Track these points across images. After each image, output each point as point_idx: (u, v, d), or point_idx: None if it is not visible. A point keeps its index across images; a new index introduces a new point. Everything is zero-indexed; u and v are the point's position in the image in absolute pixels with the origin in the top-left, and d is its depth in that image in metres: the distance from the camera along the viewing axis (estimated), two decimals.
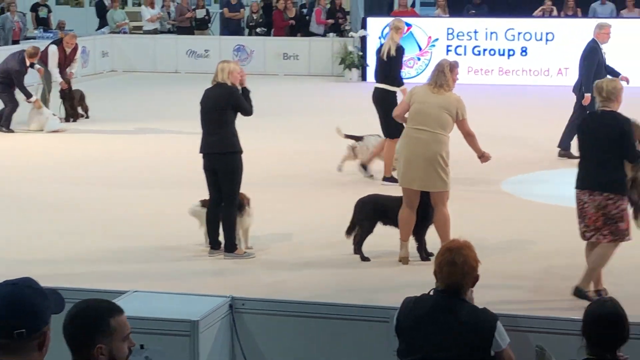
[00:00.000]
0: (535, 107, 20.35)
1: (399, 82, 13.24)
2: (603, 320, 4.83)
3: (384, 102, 13.01)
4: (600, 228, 8.19)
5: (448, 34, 24.31)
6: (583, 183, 8.25)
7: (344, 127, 13.89)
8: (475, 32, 24.09)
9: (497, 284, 8.79)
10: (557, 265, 9.54)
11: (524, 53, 23.83)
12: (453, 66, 9.66)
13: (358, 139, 13.65)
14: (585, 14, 24.99)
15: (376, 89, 13.37)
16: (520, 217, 11.67)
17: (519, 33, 23.85)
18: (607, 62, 14.81)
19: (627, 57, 21.17)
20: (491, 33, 24.02)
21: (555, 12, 25.00)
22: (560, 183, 13.29)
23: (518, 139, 16.55)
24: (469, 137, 9.72)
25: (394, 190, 10.13)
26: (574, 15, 24.92)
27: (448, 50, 24.23)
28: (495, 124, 17.33)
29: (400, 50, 13.30)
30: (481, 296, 6.04)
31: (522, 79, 23.66)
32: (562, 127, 15.09)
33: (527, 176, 13.89)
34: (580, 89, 14.63)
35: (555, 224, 11.02)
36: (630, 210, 8.34)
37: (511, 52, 23.90)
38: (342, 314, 6.67)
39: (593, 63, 14.58)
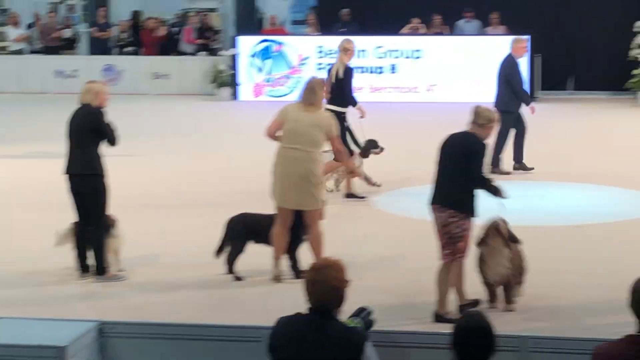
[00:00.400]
0: (406, 124, 20.59)
1: (350, 101, 13.65)
2: (472, 333, 4.89)
3: None
4: (443, 247, 8.34)
5: (318, 52, 24.46)
6: (432, 198, 8.43)
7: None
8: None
9: (371, 299, 8.84)
10: (429, 280, 9.64)
11: (393, 70, 24.13)
12: (321, 84, 9.77)
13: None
14: (452, 32, 25.44)
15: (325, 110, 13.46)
16: (391, 232, 11.78)
17: (388, 50, 24.15)
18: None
19: (493, 73, 21.58)
20: (361, 51, 24.24)
21: (423, 30, 25.39)
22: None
23: (389, 154, 16.67)
24: (339, 153, 10.04)
25: (266, 208, 10.09)
26: (441, 33, 25.35)
27: (319, 68, 24.36)
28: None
29: (348, 72, 13.61)
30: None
31: (392, 96, 23.95)
32: (434, 143, 15.27)
33: (399, 192, 14.02)
34: (508, 104, 14.89)
35: (426, 239, 11.13)
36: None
37: (380, 70, 24.18)
38: (215, 334, 6.60)
39: (518, 75, 15.10)
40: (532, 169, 15.04)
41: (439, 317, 8.37)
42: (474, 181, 8.23)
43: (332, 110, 13.18)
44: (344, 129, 13.25)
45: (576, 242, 11.27)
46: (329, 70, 13.79)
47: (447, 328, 5.19)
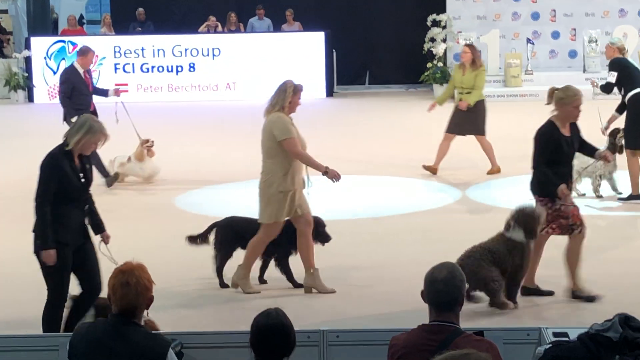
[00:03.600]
0: (207, 123, 20.53)
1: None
2: (269, 331, 4.90)
3: None
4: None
5: (115, 52, 24.10)
6: None
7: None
8: (143, 49, 24.05)
9: (172, 303, 8.80)
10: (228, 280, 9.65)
11: (192, 69, 24.02)
12: (297, 89, 9.09)
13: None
14: (245, 29, 25.53)
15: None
16: (188, 231, 11.71)
17: (186, 49, 24.03)
18: None
19: (288, 70, 21.91)
20: (158, 50, 24.06)
21: (220, 28, 25.37)
22: (229, 196, 13.59)
23: (192, 155, 16.63)
24: (300, 157, 9.01)
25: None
26: (237, 30, 25.40)
27: (116, 69, 24.05)
28: (169, 141, 17.33)
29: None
30: (157, 318, 6.00)
31: (192, 95, 23.85)
32: (237, 141, 15.29)
33: (200, 191, 13.97)
34: None
35: None
36: None
37: (179, 69, 24.03)
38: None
39: None
40: None
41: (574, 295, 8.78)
42: None
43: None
44: None
45: (375, 233, 11.50)
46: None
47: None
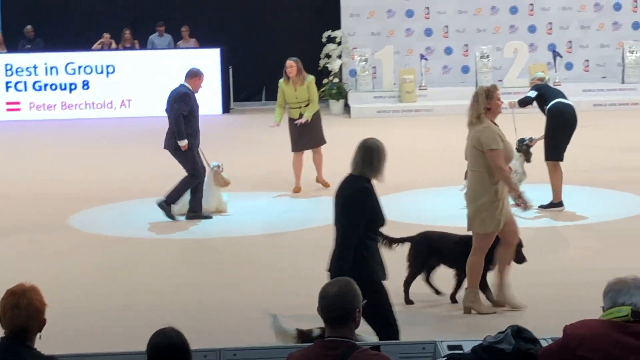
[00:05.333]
0: (103, 140, 20.31)
1: None
2: (169, 350, 4.85)
3: None
4: None
5: (7, 70, 23.69)
6: None
7: None
8: (35, 67, 23.68)
9: (66, 326, 8.69)
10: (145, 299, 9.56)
11: (85, 86, 23.74)
12: (490, 92, 8.88)
13: None
14: (143, 46, 25.34)
15: None
16: (85, 251, 11.58)
17: (80, 67, 23.74)
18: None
19: None
20: (51, 68, 23.72)
21: (114, 45, 25.14)
22: (127, 214, 13.45)
23: (87, 173, 16.43)
24: (501, 171, 8.74)
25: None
26: (133, 48, 25.20)
27: (8, 87, 23.64)
28: (64, 159, 17.14)
29: None
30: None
31: (86, 113, 23.55)
32: (133, 158, 15.16)
33: (95, 210, 13.80)
34: None
35: (117, 255, 11.12)
36: None
37: (73, 86, 23.73)
38: None
39: None
40: None
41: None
42: None
43: None
44: None
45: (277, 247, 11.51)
46: None
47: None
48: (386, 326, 7.16)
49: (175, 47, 25.18)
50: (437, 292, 9.31)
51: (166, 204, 12.69)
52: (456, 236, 9.29)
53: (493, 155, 8.62)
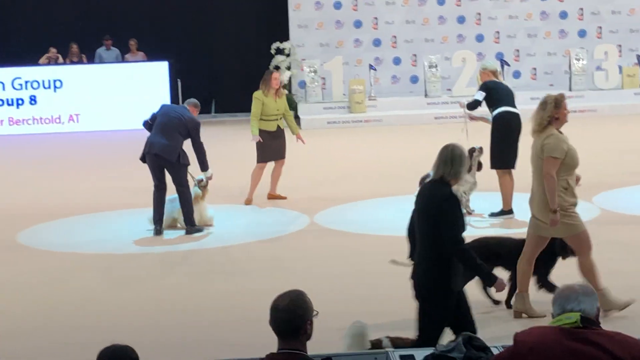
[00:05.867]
0: (51, 155, 20.15)
1: None
2: None
3: None
4: None
5: None
6: None
7: None
8: None
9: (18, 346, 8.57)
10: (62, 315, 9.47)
11: (33, 102, 23.53)
12: (559, 101, 8.97)
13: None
14: (91, 60, 25.19)
15: None
16: (35, 268, 11.47)
17: (27, 82, 23.54)
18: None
19: (133, 99, 21.87)
20: None
21: (61, 59, 24.95)
22: (74, 230, 13.34)
23: (35, 188, 16.28)
24: (549, 180, 8.76)
25: None
26: (80, 62, 25.03)
27: None
28: (11, 175, 16.97)
29: None
30: None
31: (33, 128, 23.35)
32: (82, 173, 15.02)
33: (44, 226, 13.67)
34: None
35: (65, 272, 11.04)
36: None
37: (20, 102, 23.51)
38: None
39: None
40: None
41: None
42: None
43: None
44: None
45: (224, 263, 11.47)
46: None
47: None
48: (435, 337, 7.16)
49: (123, 60, 25.05)
50: (495, 302, 9.36)
51: (192, 227, 12.80)
52: (515, 240, 9.37)
53: (549, 162, 8.70)
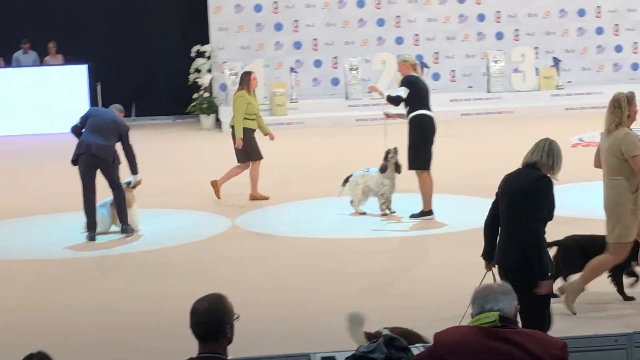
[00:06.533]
0: None
1: None
2: None
3: None
4: None
5: None
6: None
7: None
8: None
9: None
10: None
11: None
12: (631, 98, 8.89)
13: None
14: (8, 64, 24.83)
15: None
16: None
17: None
18: None
19: (51, 103, 21.63)
20: None
21: None
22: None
23: None
24: None
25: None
26: None
27: None
28: None
29: None
30: None
31: None
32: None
33: None
34: None
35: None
36: None
37: None
38: None
39: None
40: None
41: None
42: None
43: None
44: None
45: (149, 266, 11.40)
46: None
47: None
48: (543, 320, 7.18)
49: (42, 64, 24.74)
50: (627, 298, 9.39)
51: (127, 225, 12.82)
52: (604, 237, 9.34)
53: (637, 160, 8.68)
